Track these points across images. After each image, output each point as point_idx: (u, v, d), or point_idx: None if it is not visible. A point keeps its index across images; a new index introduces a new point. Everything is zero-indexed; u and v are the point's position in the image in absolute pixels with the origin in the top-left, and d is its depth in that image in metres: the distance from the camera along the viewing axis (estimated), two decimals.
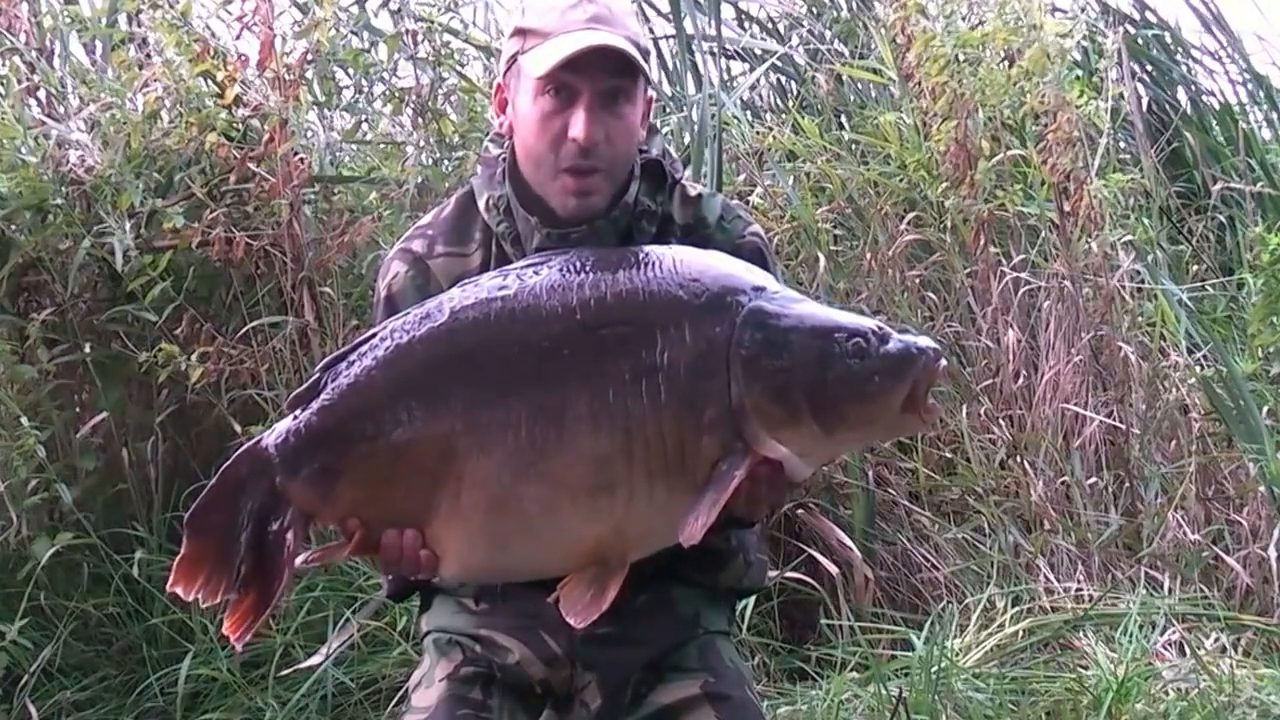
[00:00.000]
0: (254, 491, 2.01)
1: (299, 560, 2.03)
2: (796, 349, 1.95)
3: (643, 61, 2.14)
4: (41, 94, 4.36)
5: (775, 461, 1.97)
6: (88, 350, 4.13)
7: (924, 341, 1.98)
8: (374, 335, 2.04)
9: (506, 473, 1.96)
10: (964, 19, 4.38)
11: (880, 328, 1.97)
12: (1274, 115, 5.68)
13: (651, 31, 5.67)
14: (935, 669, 3.48)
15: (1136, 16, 5.76)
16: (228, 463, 2.04)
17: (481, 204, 2.25)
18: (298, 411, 2.02)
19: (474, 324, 1.99)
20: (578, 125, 2.10)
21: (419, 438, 1.98)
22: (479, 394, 1.97)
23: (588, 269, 2.01)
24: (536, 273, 2.02)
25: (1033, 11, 4.26)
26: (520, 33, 2.16)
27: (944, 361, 1.99)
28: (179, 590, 2.01)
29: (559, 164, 2.14)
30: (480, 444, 1.96)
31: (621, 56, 2.11)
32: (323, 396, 2.01)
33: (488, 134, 4.02)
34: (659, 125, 4.75)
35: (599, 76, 2.11)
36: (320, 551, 2.08)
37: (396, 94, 4.28)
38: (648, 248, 2.08)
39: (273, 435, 2.02)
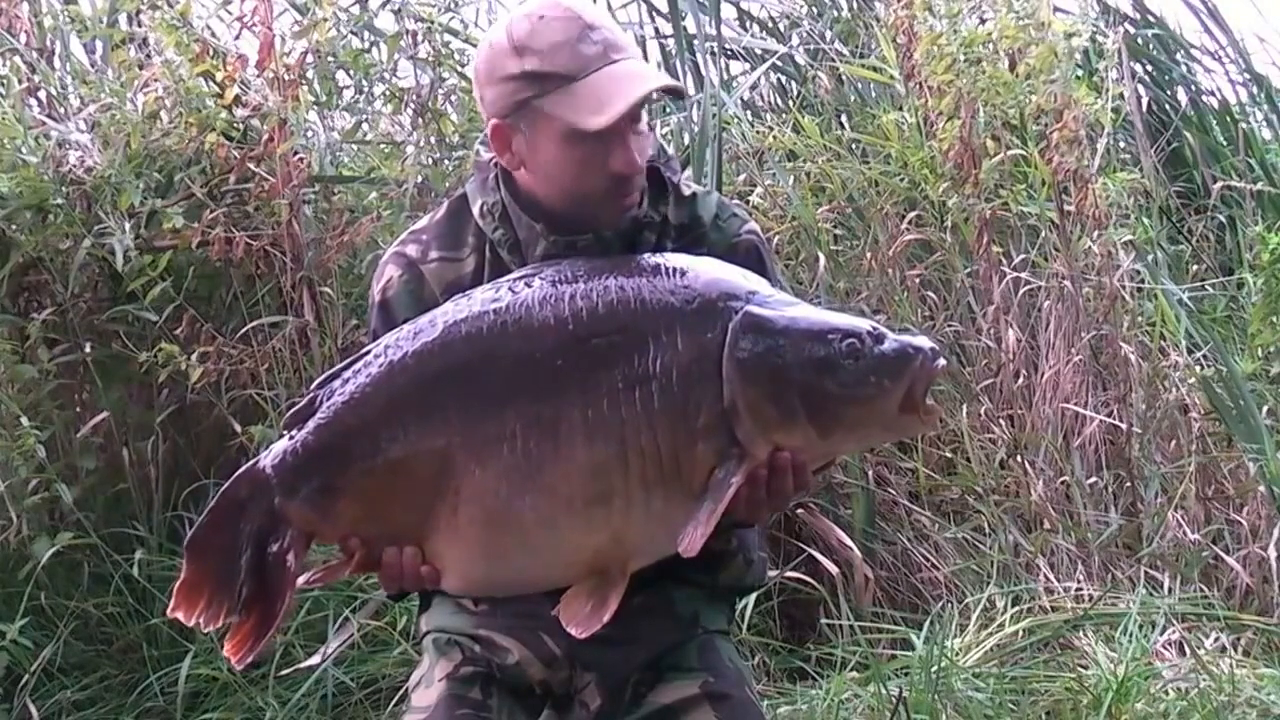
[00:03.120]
0: (253, 513, 2.02)
1: (300, 580, 2.03)
2: (790, 351, 1.95)
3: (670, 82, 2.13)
4: (42, 94, 4.35)
5: (775, 465, 1.96)
6: (88, 350, 4.13)
7: (921, 341, 1.97)
8: (368, 352, 2.04)
9: (503, 486, 1.96)
10: (970, 13, 4.38)
11: (876, 328, 1.97)
12: (1274, 115, 5.67)
13: (656, 32, 5.68)
14: (935, 669, 3.47)
15: (1136, 16, 5.76)
16: (225, 485, 2.04)
17: (476, 210, 2.23)
18: (294, 431, 2.02)
19: (467, 338, 2.00)
20: (623, 160, 2.09)
21: (416, 453, 1.98)
22: (474, 408, 1.98)
23: (579, 279, 2.01)
24: (528, 285, 2.02)
25: (1040, 10, 4.25)
26: (531, 77, 2.08)
27: (942, 361, 1.98)
28: (180, 616, 2.01)
29: (599, 195, 2.12)
30: (476, 458, 1.97)
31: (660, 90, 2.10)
32: (318, 415, 2.01)
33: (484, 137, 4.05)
34: (658, 125, 4.76)
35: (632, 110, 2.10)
36: (321, 571, 2.08)
37: (396, 94, 4.28)
38: (640, 255, 2.09)
39: (270, 456, 2.03)
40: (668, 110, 5.15)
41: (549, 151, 2.10)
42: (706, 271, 2.03)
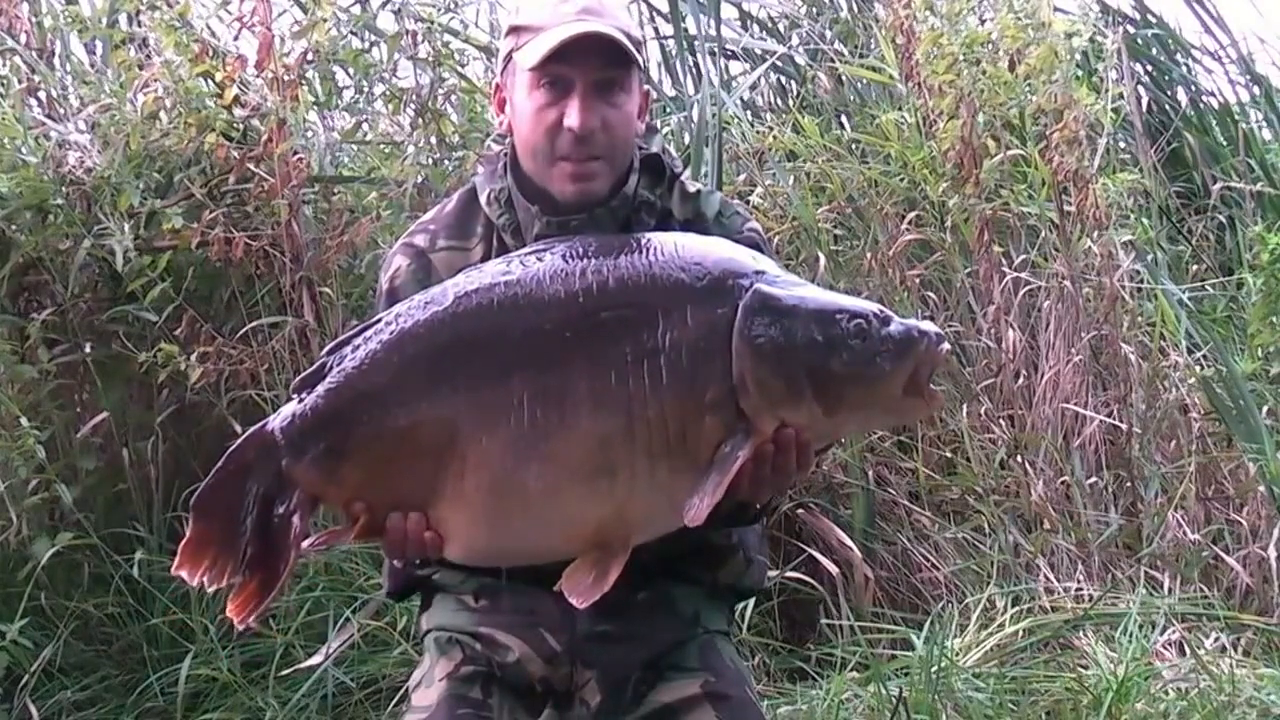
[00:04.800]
0: (260, 474, 2.02)
1: (305, 544, 2.03)
2: (798, 330, 1.96)
3: (634, 51, 2.15)
4: (42, 94, 4.36)
5: (780, 441, 1.97)
6: (88, 350, 4.13)
7: (926, 325, 1.99)
8: (379, 320, 2.05)
9: (509, 455, 1.97)
10: (971, 12, 4.38)
11: (882, 311, 1.99)
12: (1274, 116, 5.68)
13: (656, 32, 5.68)
14: (935, 669, 3.47)
15: (1136, 16, 5.77)
16: (233, 446, 2.04)
17: (483, 198, 2.27)
18: (303, 394, 2.03)
19: (477, 308, 2.00)
20: (572, 114, 2.12)
21: (423, 420, 1.99)
22: (482, 377, 1.98)
23: (591, 254, 2.02)
24: (540, 258, 2.03)
25: (1040, 10, 4.26)
26: (515, 30, 2.19)
27: (946, 345, 2.00)
28: (184, 574, 2.01)
29: (555, 153, 2.15)
30: (483, 426, 1.97)
31: (612, 45, 2.12)
32: (328, 380, 2.02)
33: (488, 134, 4.05)
34: (659, 125, 4.76)
35: (591, 66, 2.13)
36: (325, 535, 2.08)
37: (396, 94, 4.28)
38: (650, 233, 2.10)
39: (278, 418, 2.03)
40: (668, 110, 5.16)
41: (519, 102, 2.18)
42: (717, 250, 2.05)
